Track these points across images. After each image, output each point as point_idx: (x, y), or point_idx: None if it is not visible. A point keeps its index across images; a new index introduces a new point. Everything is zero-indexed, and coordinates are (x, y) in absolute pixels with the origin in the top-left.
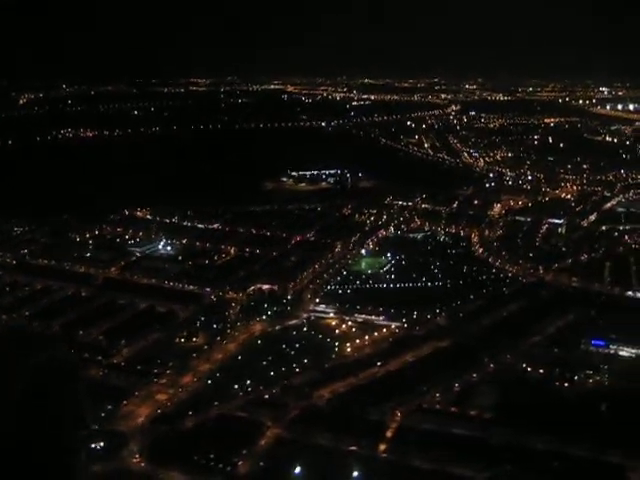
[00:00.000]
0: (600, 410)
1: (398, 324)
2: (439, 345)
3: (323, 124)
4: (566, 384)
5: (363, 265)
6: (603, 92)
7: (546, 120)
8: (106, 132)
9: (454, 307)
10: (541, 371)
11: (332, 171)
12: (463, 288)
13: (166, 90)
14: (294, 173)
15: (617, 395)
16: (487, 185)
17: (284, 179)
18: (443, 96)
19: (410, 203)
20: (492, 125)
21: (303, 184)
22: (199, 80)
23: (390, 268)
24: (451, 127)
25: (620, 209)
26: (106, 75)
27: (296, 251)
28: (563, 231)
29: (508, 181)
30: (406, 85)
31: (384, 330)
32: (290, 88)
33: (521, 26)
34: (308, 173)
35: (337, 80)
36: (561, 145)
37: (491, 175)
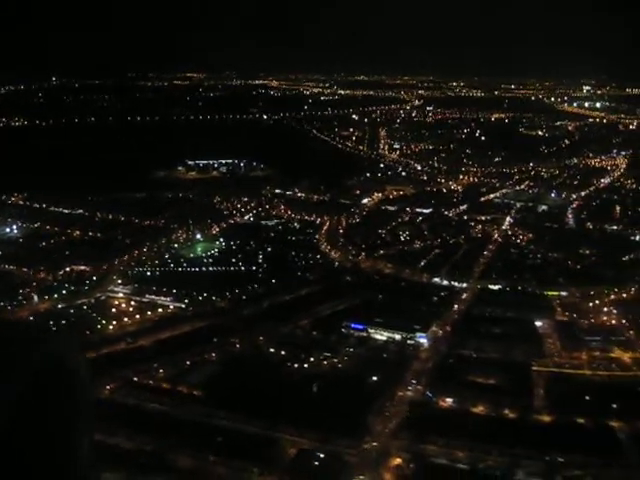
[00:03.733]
0: (310, 390)
1: (179, 305)
2: (200, 325)
3: (265, 117)
4: (296, 365)
5: (191, 250)
6: (583, 91)
7: (495, 115)
8: (37, 122)
9: (248, 290)
10: (283, 353)
11: (229, 160)
12: (274, 273)
13: (150, 84)
14: (190, 162)
15: (338, 377)
16: (381, 175)
17: (179, 168)
18: (421, 92)
19: (288, 192)
20: (430, 119)
21: (193, 173)
22: (194, 75)
23: (215, 253)
24: (392, 120)
25: (497, 200)
26: (106, 69)
27: (135, 235)
28: (419, 220)
29: (408, 171)
30: (398, 82)
31: (160, 310)
32: (275, 84)
33: (531, 27)
34: (203, 162)
35: (334, 77)
36: (483, 138)
37: (394, 165)
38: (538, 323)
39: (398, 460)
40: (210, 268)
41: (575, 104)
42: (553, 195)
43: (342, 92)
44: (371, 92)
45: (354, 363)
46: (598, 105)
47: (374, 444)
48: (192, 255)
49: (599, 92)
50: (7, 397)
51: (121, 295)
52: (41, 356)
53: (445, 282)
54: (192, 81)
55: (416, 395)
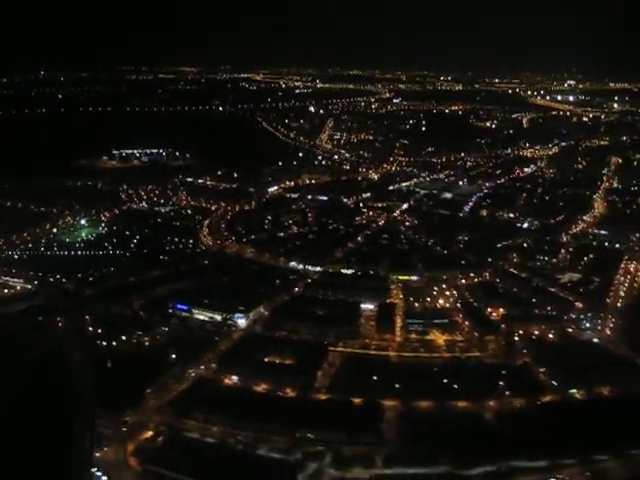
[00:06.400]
0: (103, 367)
1: (27, 286)
2: (33, 304)
3: (220, 109)
4: (105, 343)
5: (70, 235)
6: (564, 85)
7: (453, 107)
8: None
9: (102, 272)
10: (99, 331)
11: (154, 150)
12: (138, 256)
13: (134, 77)
14: (115, 152)
15: (139, 354)
16: (304, 164)
17: (103, 157)
18: (401, 86)
19: (200, 180)
20: (383, 110)
21: (114, 162)
22: (187, 69)
23: (92, 238)
24: (347, 112)
25: (404, 188)
26: (100, 62)
27: (21, 220)
28: (312, 207)
29: (334, 161)
30: (388, 76)
31: (6, 290)
32: (259, 77)
33: (535, 25)
34: (127, 152)
35: (327, 71)
36: (424, 129)
37: (324, 155)
38: (368, 306)
39: (149, 433)
40: (79, 252)
41: (548, 97)
42: (464, 184)
43: (320, 85)
44: (350, 85)
45: (162, 342)
46: (571, 98)
47: (134, 417)
48: (68, 240)
49: (581, 86)
50: (8, 392)
51: None
52: (41, 351)
53: (300, 266)
54: (178, 75)
55: (205, 373)
